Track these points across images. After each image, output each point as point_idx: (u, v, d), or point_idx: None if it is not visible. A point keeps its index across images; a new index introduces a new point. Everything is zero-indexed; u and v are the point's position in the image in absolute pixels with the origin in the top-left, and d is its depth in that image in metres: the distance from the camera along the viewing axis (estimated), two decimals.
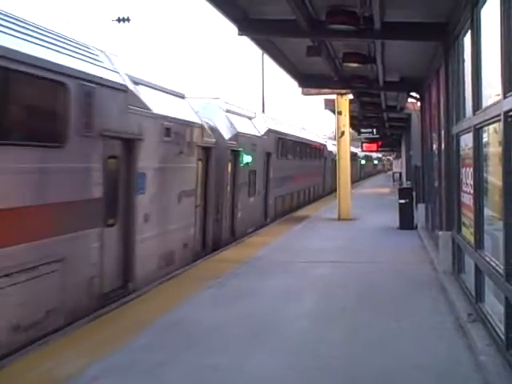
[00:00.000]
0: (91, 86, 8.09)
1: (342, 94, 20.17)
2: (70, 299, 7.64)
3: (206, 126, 13.56)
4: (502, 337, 5.95)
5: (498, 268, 6.26)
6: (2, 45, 6.48)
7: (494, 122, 6.60)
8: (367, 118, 27.53)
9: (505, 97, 5.80)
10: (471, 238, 8.06)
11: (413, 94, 17.94)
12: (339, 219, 20.18)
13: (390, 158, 70.55)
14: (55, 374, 5.72)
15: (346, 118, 20.77)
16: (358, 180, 51.06)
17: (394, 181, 45.03)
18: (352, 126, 26.30)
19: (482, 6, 7.32)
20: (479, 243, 7.52)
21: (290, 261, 12.22)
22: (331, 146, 34.54)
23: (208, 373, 5.83)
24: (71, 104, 7.65)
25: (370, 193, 36.43)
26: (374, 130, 33.97)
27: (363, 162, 64.81)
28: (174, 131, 11.15)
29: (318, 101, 61.77)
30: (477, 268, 7.62)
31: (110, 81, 8.80)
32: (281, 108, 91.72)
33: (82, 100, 7.88)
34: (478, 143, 7.66)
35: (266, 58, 15.32)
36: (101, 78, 8.48)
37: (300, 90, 18.93)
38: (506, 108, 5.75)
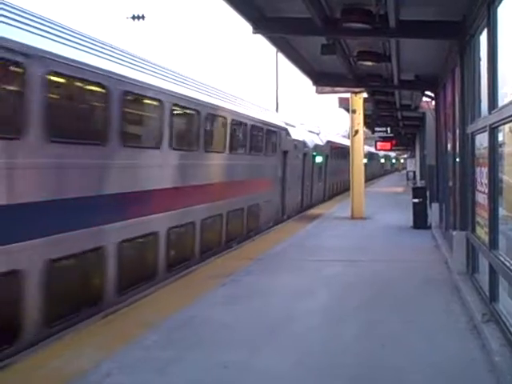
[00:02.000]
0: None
1: (356, 93, 20.11)
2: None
3: (303, 141, 24.32)
4: None
5: None
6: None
7: (509, 122, 6.55)
8: (381, 117, 27.43)
9: None
10: (485, 238, 8.01)
11: (427, 92, 17.86)
12: (352, 218, 20.15)
13: (404, 156, 70.50)
14: (66, 371, 5.76)
15: (360, 117, 20.71)
16: (379, 176, 61.29)
17: (407, 179, 44.84)
18: (366, 124, 26.21)
19: (498, 4, 7.27)
20: (494, 243, 7.47)
21: (303, 258, 12.22)
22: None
23: (218, 370, 5.86)
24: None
25: (384, 191, 36.30)
26: (388, 129, 33.82)
27: (383, 160, 73.33)
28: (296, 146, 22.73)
29: (332, 99, 61.65)
30: (491, 268, 7.58)
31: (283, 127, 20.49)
32: (295, 106, 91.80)
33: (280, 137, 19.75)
34: (493, 142, 7.61)
35: (280, 55, 15.30)
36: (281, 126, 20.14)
37: (314, 88, 18.91)
38: None
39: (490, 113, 7.67)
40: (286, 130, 20.96)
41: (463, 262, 10.08)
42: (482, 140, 8.52)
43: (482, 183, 8.55)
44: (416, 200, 17.68)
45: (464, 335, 6.93)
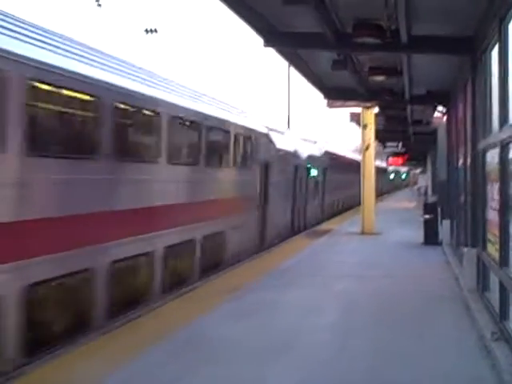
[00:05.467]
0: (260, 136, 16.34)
1: (367, 107, 20.09)
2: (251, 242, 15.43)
3: (293, 151, 20.74)
4: None
5: None
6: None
7: None
8: (393, 132, 27.34)
9: None
10: (496, 255, 7.92)
11: (439, 107, 17.80)
12: (362, 233, 20.04)
13: (416, 172, 70.36)
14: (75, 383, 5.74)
15: (371, 132, 20.67)
16: (388, 192, 58.73)
17: (419, 195, 44.62)
18: (377, 139, 26.14)
19: (509, 20, 7.23)
20: (504, 260, 7.38)
21: (312, 274, 12.15)
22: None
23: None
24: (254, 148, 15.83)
25: (395, 207, 36.12)
26: (400, 144, 33.71)
27: (392, 176, 72.97)
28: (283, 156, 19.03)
29: (343, 114, 61.62)
30: (501, 286, 7.48)
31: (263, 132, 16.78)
32: (306, 120, 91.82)
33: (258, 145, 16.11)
34: (504, 159, 7.54)
35: (292, 70, 15.30)
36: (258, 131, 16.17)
37: (325, 102, 18.90)
38: None
39: (501, 129, 7.61)
40: (266, 135, 16.89)
41: (474, 280, 9.97)
42: (493, 156, 8.45)
43: (493, 200, 8.47)
44: (427, 216, 17.57)
45: (474, 353, 6.83)
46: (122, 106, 9.19)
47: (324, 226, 23.75)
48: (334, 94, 16.54)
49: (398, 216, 28.20)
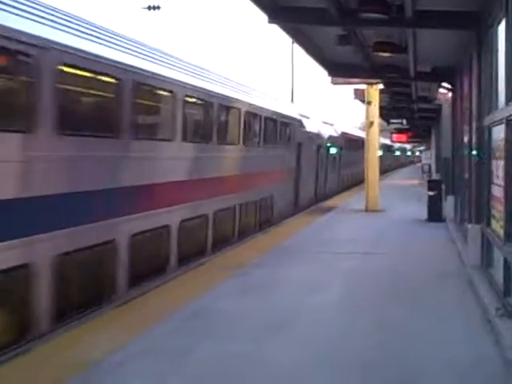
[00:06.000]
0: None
1: (371, 84, 19.96)
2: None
3: (317, 133, 24.14)
4: None
5: None
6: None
7: None
8: (397, 109, 27.20)
9: None
10: (500, 232, 7.92)
11: (444, 84, 17.68)
12: (367, 210, 20.05)
13: (420, 149, 70.16)
14: (81, 359, 5.80)
15: (375, 108, 20.56)
16: (394, 169, 61.74)
17: (423, 172, 44.51)
18: (381, 116, 26.03)
19: None
20: (508, 236, 7.38)
21: (316, 251, 12.18)
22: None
23: (228, 359, 5.89)
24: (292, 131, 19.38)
25: (399, 184, 36.10)
26: (404, 121, 33.55)
27: (398, 152, 74.92)
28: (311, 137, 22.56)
29: (347, 90, 61.35)
30: (505, 262, 7.49)
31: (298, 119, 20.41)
32: (310, 97, 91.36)
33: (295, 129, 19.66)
34: (509, 135, 7.51)
35: (296, 46, 15.18)
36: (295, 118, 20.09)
37: (329, 79, 18.79)
38: None
39: (507, 105, 7.56)
40: (300, 121, 20.63)
41: (477, 256, 10.00)
42: (499, 132, 8.41)
43: (498, 176, 8.45)
44: (431, 193, 17.56)
45: (477, 330, 6.87)
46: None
47: (329, 202, 23.81)
48: (339, 70, 16.42)
49: (402, 193, 28.19)
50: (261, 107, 15.91)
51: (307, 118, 22.91)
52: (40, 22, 7.04)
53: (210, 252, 11.87)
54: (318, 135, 24.48)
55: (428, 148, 49.16)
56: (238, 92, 14.42)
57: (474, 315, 7.45)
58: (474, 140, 11.26)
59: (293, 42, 24.59)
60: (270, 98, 18.37)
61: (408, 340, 6.55)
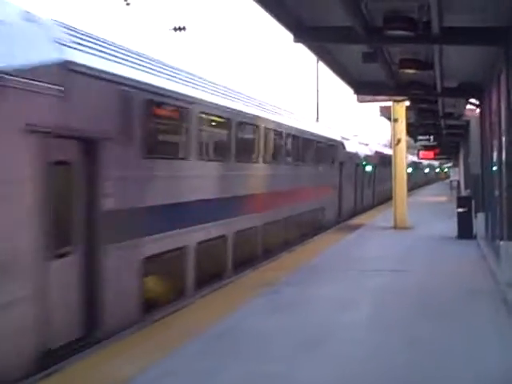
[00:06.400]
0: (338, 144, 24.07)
1: (398, 101, 19.90)
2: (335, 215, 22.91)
3: (355, 153, 27.74)
4: None
5: None
6: None
7: None
8: (424, 125, 27.05)
9: None
10: None
11: (472, 100, 17.54)
12: (395, 228, 19.88)
13: (448, 165, 69.53)
14: (117, 375, 5.88)
15: (402, 125, 20.49)
16: (422, 186, 63.65)
17: (451, 189, 44.08)
18: (408, 133, 25.90)
19: None
20: None
21: (346, 268, 12.10)
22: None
23: (257, 380, 5.85)
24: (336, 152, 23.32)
25: (427, 201, 35.77)
26: (431, 137, 33.31)
27: (427, 170, 78.86)
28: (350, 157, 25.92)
29: (373, 108, 61.26)
30: None
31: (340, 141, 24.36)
32: (335, 115, 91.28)
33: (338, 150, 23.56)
34: None
35: (321, 64, 15.25)
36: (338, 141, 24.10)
37: (355, 97, 18.78)
38: None
39: None
40: (342, 143, 24.37)
41: (511, 273, 9.82)
42: None
43: None
44: (461, 210, 17.34)
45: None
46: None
47: (356, 220, 23.69)
48: (364, 88, 16.40)
49: (431, 210, 27.92)
50: (319, 134, 20.73)
51: (347, 139, 26.64)
52: (185, 85, 10.47)
53: (261, 258, 13.88)
54: (356, 154, 27.85)
55: (456, 164, 48.73)
56: (310, 127, 19.46)
57: (508, 334, 7.31)
58: (503, 156, 11.13)
59: (318, 61, 24.75)
60: (322, 126, 23.80)
61: (438, 357, 6.43)
